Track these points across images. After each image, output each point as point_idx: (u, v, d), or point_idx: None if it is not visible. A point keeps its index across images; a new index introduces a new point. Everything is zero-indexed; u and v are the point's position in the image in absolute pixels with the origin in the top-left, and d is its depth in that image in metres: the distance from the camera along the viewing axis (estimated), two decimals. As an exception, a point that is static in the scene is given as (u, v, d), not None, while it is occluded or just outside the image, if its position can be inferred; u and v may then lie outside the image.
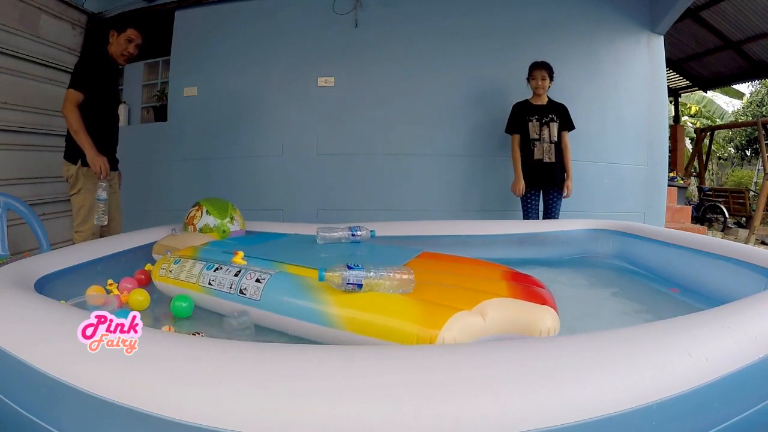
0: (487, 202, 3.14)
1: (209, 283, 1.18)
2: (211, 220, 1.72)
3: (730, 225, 6.48)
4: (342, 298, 1.01)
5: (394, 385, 0.55)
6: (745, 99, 12.07)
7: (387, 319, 0.95)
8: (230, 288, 1.15)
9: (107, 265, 1.44)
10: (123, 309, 1.15)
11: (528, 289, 1.12)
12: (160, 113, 3.39)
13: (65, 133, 2.06)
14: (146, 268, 1.56)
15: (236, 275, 1.16)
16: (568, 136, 2.67)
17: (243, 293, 1.12)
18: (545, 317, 0.97)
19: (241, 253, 1.27)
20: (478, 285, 1.12)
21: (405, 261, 1.31)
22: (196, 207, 1.77)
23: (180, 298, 1.22)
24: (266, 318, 1.10)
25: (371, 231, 1.58)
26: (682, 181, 6.05)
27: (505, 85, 3.09)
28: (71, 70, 2.08)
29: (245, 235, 1.82)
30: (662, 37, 3.25)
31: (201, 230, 1.70)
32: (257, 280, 1.12)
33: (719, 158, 13.13)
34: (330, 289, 1.03)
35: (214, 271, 1.20)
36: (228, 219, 1.76)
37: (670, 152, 4.66)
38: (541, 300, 1.05)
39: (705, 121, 10.98)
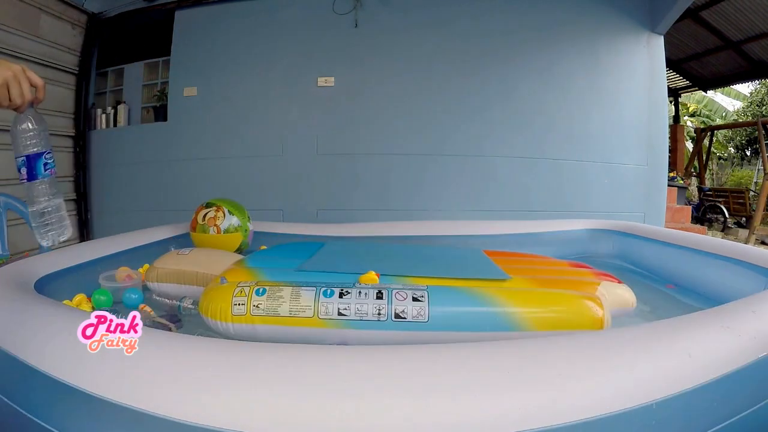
0: (490, 202, 3.14)
1: (339, 314, 0.94)
2: (234, 221, 1.69)
3: (730, 225, 6.48)
4: (514, 297, 0.97)
5: (396, 385, 0.56)
6: (744, 99, 12.05)
7: (567, 309, 0.95)
8: (378, 315, 0.93)
9: (107, 264, 1.44)
10: (134, 287, 1.24)
11: (600, 272, 1.24)
12: (160, 113, 3.39)
13: (65, 133, 2.05)
14: (142, 270, 1.55)
15: (378, 297, 0.95)
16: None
17: (401, 317, 0.93)
18: (629, 293, 1.14)
19: (372, 273, 1.04)
20: (571, 273, 1.22)
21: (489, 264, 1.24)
22: (215, 208, 1.72)
23: (100, 292, 1.15)
24: (438, 339, 0.93)
25: None
26: (682, 181, 6.05)
27: (504, 84, 3.09)
28: (72, 70, 2.08)
29: (254, 237, 1.80)
30: (662, 37, 3.25)
31: (226, 231, 1.68)
32: (414, 299, 0.94)
33: (719, 158, 13.12)
34: (498, 292, 0.98)
35: (340, 296, 0.95)
36: (246, 218, 1.75)
37: (670, 152, 4.66)
38: (616, 280, 1.20)
39: (705, 120, 10.97)
